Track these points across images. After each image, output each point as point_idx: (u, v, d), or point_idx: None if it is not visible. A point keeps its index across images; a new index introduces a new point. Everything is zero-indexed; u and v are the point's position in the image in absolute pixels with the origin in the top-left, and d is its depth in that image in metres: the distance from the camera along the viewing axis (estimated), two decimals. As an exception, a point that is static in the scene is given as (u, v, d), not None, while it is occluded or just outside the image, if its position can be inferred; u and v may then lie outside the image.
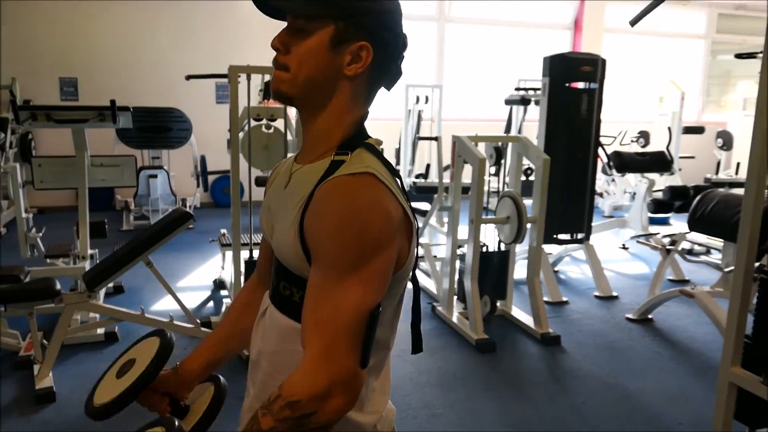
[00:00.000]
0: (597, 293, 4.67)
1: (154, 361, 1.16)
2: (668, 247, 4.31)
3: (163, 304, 4.18)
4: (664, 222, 6.96)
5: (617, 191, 7.73)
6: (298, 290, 1.02)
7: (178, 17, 7.53)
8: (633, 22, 2.22)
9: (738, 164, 7.23)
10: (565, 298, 4.53)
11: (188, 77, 4.46)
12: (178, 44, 7.57)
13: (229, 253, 4.68)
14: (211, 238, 4.93)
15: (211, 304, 4.37)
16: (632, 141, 8.17)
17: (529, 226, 3.82)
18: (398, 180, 1.00)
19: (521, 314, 4.09)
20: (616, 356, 3.62)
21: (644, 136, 8.22)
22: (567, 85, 4.58)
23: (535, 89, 5.45)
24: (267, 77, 3.95)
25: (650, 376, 3.37)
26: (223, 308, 3.94)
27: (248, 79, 3.80)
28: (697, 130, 8.22)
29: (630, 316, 4.21)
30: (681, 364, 3.55)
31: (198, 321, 3.50)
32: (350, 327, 0.90)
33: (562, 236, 4.79)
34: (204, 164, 6.81)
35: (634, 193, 6.27)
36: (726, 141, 8.37)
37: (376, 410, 1.07)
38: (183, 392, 1.22)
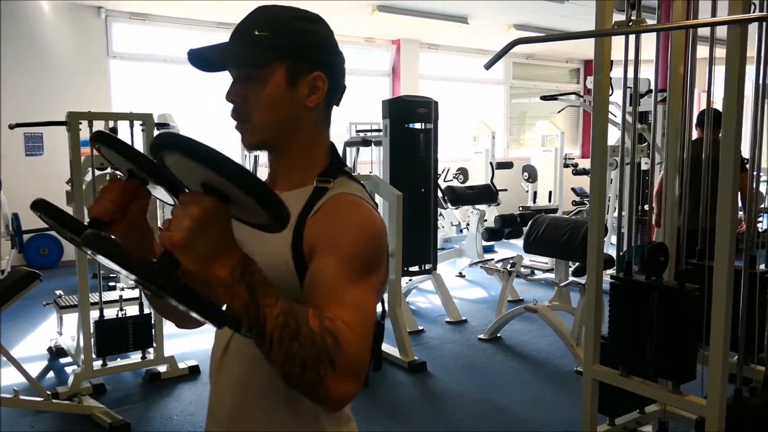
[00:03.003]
0: (448, 319, 4.96)
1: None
2: (510, 270, 4.74)
3: (-5, 381, 3.67)
4: (491, 249, 7.58)
5: (446, 224, 8.29)
6: None
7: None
8: (488, 66, 2.49)
9: (550, 192, 8.14)
10: (420, 327, 4.76)
11: (12, 126, 4.04)
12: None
13: (67, 317, 4.27)
14: (44, 301, 4.44)
15: (51, 374, 3.93)
16: (454, 177, 8.86)
17: (388, 259, 3.98)
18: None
19: (385, 346, 4.21)
20: (479, 374, 3.88)
21: (463, 172, 8.95)
22: (406, 125, 4.90)
23: (374, 131, 5.75)
24: (111, 123, 3.73)
25: (511, 388, 3.66)
26: (70, 379, 3.55)
27: (90, 126, 3.57)
28: (507, 165, 9.15)
29: (482, 336, 4.53)
30: (534, 374, 3.89)
31: (48, 393, 3.14)
32: (371, 325, 0.91)
33: (411, 268, 5.04)
34: (18, 223, 6.14)
35: (466, 224, 6.77)
36: (531, 174, 9.39)
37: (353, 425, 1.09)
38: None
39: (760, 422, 2.30)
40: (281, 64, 0.99)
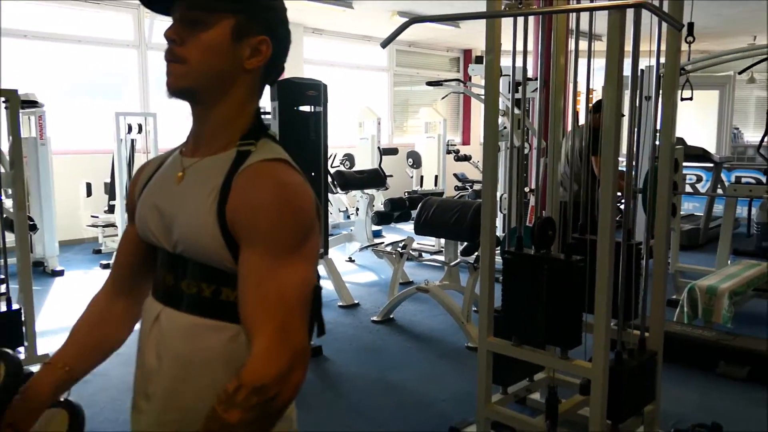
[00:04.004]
0: (341, 303, 4.96)
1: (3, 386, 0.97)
2: (401, 252, 4.81)
3: None
4: (379, 234, 7.66)
5: (333, 210, 8.28)
6: (209, 284, 0.99)
7: None
8: (384, 44, 2.49)
9: (436, 177, 8.37)
10: (313, 312, 4.72)
11: None
12: None
13: None
14: None
15: None
16: (340, 163, 8.86)
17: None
18: None
19: (279, 332, 4.15)
20: (374, 355, 3.92)
21: (350, 158, 8.98)
22: (295, 108, 4.82)
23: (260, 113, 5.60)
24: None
25: (406, 366, 3.73)
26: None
27: (-58, 103, 3.20)
28: (393, 151, 9.30)
29: (375, 318, 4.58)
30: (427, 352, 4.00)
31: None
32: (301, 303, 0.92)
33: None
34: None
35: (354, 210, 6.80)
36: (415, 160, 9.60)
37: (292, 407, 1.10)
38: (28, 421, 1.05)
39: (637, 381, 2.49)
40: (232, 16, 0.97)
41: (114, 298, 1.16)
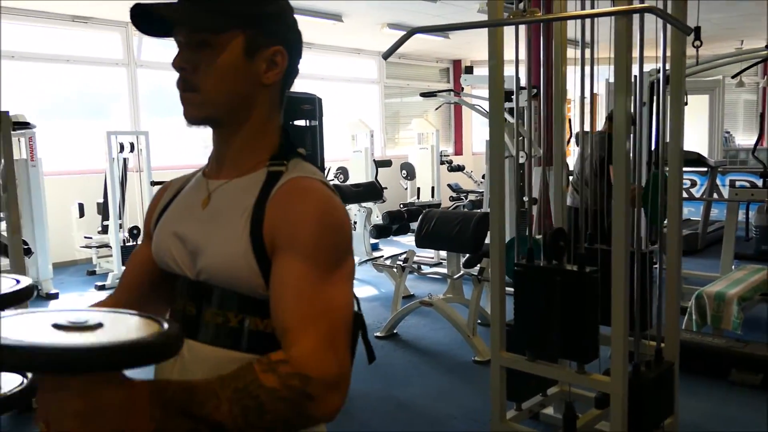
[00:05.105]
0: (342, 319, 4.87)
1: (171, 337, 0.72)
2: (403, 265, 4.74)
3: None
4: (376, 248, 7.60)
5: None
6: (237, 314, 0.93)
7: None
8: (385, 56, 2.45)
9: (433, 188, 8.32)
10: (315, 329, 4.64)
11: None
12: None
13: None
14: None
15: None
16: (334, 177, 8.82)
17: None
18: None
19: (281, 351, 4.07)
20: (380, 372, 3.84)
21: (344, 172, 8.93)
22: (291, 122, 4.76)
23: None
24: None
25: (414, 383, 3.65)
26: None
27: (-68, 126, 3.12)
28: (386, 163, 9.24)
29: (378, 334, 4.50)
30: (434, 367, 3.92)
31: None
32: (345, 323, 0.87)
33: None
34: None
35: (352, 223, 6.75)
36: (409, 171, 9.57)
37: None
38: None
39: (656, 394, 2.44)
40: (240, 33, 0.91)
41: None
